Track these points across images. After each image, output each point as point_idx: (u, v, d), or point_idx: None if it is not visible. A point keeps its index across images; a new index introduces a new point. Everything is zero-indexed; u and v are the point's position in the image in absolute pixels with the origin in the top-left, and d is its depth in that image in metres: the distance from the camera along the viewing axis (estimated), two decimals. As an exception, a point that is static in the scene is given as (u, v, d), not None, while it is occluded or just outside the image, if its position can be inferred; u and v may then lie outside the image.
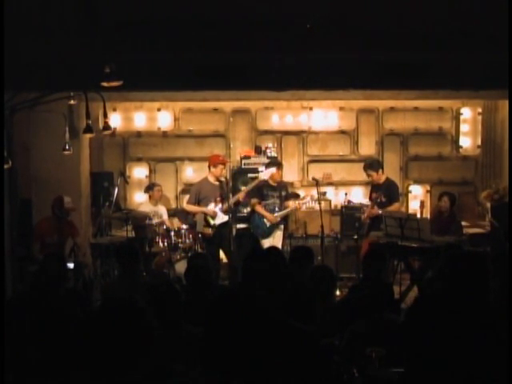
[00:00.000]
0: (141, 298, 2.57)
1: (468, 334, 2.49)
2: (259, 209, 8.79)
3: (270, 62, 7.71)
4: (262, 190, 8.78)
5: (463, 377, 2.40)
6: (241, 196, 8.53)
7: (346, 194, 10.00)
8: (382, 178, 8.58)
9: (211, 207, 8.38)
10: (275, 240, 8.80)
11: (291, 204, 8.99)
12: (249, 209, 9.23)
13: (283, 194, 8.94)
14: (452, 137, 10.55)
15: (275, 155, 9.87)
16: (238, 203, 8.78)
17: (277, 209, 8.82)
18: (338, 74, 7.76)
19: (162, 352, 2.52)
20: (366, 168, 8.65)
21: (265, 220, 8.79)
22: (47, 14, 7.06)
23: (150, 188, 9.33)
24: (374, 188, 8.71)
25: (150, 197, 9.27)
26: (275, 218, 8.76)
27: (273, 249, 5.72)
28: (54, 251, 7.18)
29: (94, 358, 2.40)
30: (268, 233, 8.79)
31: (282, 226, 8.96)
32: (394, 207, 8.47)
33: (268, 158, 9.67)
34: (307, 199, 9.14)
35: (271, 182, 8.77)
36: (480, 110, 10.38)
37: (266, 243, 8.63)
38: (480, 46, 7.47)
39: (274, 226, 8.82)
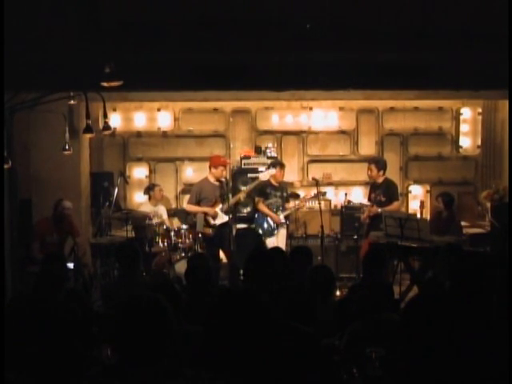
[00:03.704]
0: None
1: (468, 333, 2.49)
2: (263, 208, 8.84)
3: (270, 61, 7.70)
4: (264, 190, 8.83)
5: (462, 376, 2.40)
6: (242, 196, 8.55)
7: (345, 194, 10.00)
8: (381, 179, 8.59)
9: (219, 208, 8.39)
10: (279, 239, 8.84)
11: (292, 204, 9.03)
12: (249, 209, 9.26)
13: (285, 194, 8.99)
14: (452, 137, 10.55)
15: (275, 155, 9.88)
16: (238, 203, 8.81)
17: (280, 208, 8.87)
18: (338, 74, 7.75)
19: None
20: (370, 162, 8.71)
21: (268, 219, 8.83)
22: (47, 14, 7.06)
23: (149, 189, 9.31)
24: (373, 188, 8.73)
25: (149, 197, 9.25)
26: (279, 219, 8.81)
27: (276, 250, 5.74)
28: (54, 251, 7.19)
29: (119, 355, 2.41)
30: (272, 231, 8.82)
31: (286, 225, 9.01)
32: (394, 206, 8.48)
33: (268, 158, 9.69)
34: (311, 194, 9.12)
35: (273, 182, 8.81)
36: (480, 110, 10.37)
37: (270, 242, 8.68)
38: (480, 46, 7.47)
39: (277, 225, 8.85)
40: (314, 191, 8.87)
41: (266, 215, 8.84)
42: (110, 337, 2.59)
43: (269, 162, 9.33)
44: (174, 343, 2.44)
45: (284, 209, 8.90)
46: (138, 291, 3.25)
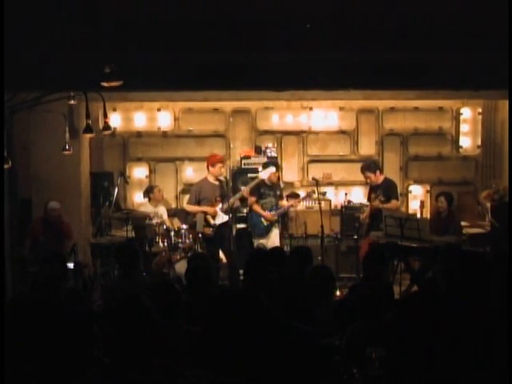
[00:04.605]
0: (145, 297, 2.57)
1: (467, 333, 2.50)
2: (257, 208, 8.86)
3: (270, 61, 7.70)
4: (259, 189, 8.84)
5: (461, 375, 2.41)
6: (245, 192, 8.53)
7: (345, 194, 10.02)
8: (380, 179, 8.59)
9: (218, 207, 8.39)
10: (271, 239, 8.84)
11: (285, 203, 9.06)
12: (249, 209, 9.27)
13: (278, 193, 9.01)
14: (452, 137, 10.55)
15: (275, 155, 9.88)
16: (242, 200, 8.78)
17: (274, 207, 8.88)
18: (338, 74, 7.74)
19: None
20: (363, 170, 8.65)
21: (262, 219, 8.83)
22: (47, 13, 7.06)
23: (149, 191, 9.33)
24: (373, 188, 8.71)
25: (149, 199, 9.26)
26: (272, 216, 8.81)
27: (276, 250, 5.74)
28: (54, 251, 7.18)
29: (106, 357, 2.41)
30: (265, 231, 8.83)
31: (277, 225, 9.02)
32: (392, 204, 8.46)
33: (268, 158, 9.69)
34: (303, 194, 9.16)
35: (267, 182, 8.83)
36: (480, 110, 10.38)
37: (263, 242, 8.68)
38: (480, 46, 7.47)
39: (270, 225, 8.86)
40: (308, 190, 8.89)
41: (260, 215, 8.85)
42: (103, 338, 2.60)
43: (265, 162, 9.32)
44: (160, 342, 2.44)
45: (277, 208, 8.92)
46: (130, 293, 3.25)
